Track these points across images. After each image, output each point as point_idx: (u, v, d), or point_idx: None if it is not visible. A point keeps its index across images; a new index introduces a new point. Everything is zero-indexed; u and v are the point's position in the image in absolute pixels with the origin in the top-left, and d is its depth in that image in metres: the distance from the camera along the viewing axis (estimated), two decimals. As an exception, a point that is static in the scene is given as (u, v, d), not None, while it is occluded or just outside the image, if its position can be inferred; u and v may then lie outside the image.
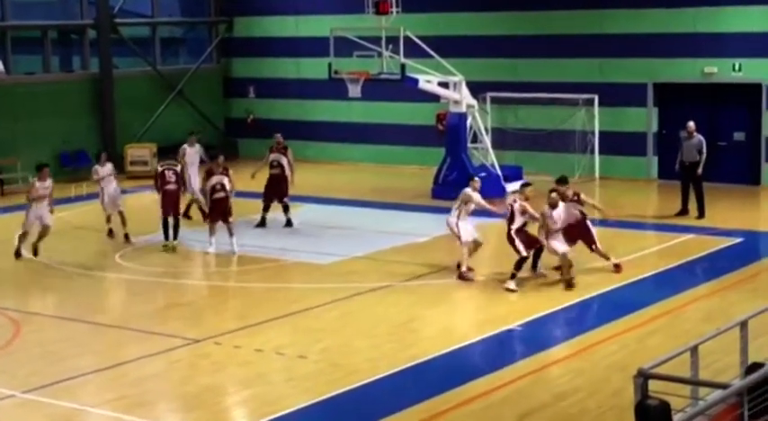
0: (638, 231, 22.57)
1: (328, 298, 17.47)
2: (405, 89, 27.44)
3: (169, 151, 25.52)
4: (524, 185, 18.61)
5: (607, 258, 18.67)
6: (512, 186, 24.74)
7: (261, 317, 16.48)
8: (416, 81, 25.93)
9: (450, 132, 26.81)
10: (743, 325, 10.79)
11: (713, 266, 19.37)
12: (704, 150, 23.27)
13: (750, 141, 27.45)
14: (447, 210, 20.55)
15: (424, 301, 17.35)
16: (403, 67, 25.43)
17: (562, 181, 18.76)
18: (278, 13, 34.12)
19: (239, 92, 35.34)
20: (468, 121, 26.89)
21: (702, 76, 27.59)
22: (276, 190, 23.16)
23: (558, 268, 18.24)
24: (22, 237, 20.89)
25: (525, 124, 29.36)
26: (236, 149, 34.46)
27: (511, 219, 18.01)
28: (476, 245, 18.73)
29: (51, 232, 20.94)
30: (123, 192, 23.61)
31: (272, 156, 23.34)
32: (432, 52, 26.36)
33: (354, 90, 26.00)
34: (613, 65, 28.74)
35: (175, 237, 21.44)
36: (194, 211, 23.58)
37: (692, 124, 23.47)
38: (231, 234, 20.84)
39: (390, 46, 25.59)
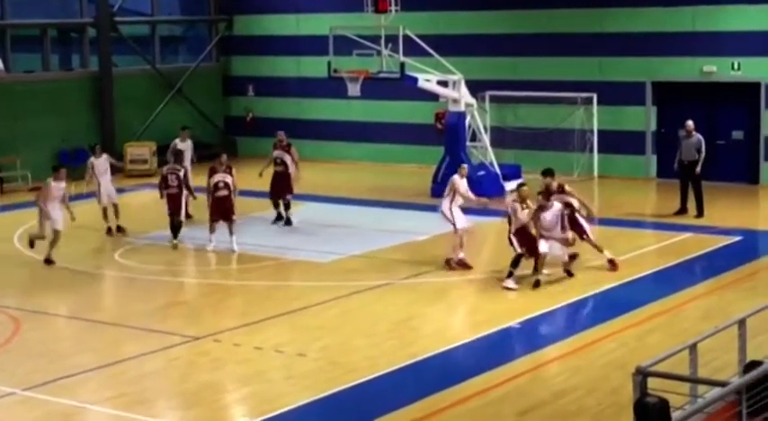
0: (636, 230, 22.59)
1: (328, 296, 17.50)
2: (404, 88, 27.45)
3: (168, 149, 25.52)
4: (520, 185, 18.65)
5: (600, 250, 18.67)
6: (511, 185, 24.76)
7: (260, 315, 16.51)
8: (416, 80, 25.94)
9: (450, 131, 26.82)
10: (741, 323, 10.81)
11: (712, 265, 19.40)
12: (703, 149, 23.28)
13: (749, 140, 27.46)
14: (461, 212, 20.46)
15: (424, 299, 17.37)
16: (402, 65, 25.44)
17: (548, 173, 18.75)
18: (277, 12, 34.12)
19: (239, 90, 35.34)
20: (467, 120, 26.90)
21: (701, 74, 27.61)
22: (279, 187, 23.18)
23: (568, 263, 18.21)
24: (35, 238, 20.46)
25: (524, 123, 29.38)
26: (236, 148, 34.46)
27: (510, 220, 18.06)
28: (467, 232, 19.04)
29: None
30: (122, 190, 23.62)
31: (276, 154, 23.38)
32: (431, 51, 26.37)
33: (354, 89, 26.01)
34: (612, 64, 28.76)
35: (175, 237, 21.55)
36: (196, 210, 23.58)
37: (690, 123, 23.49)
38: (231, 233, 20.87)
39: (390, 44, 25.60)
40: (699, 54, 27.55)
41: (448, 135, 26.94)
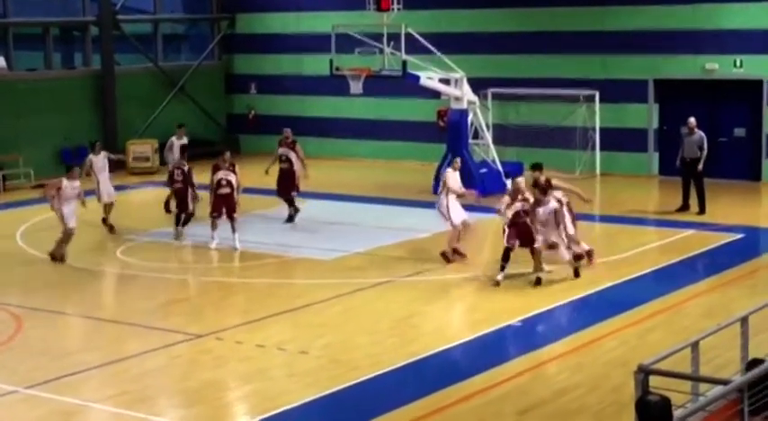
0: (638, 227, 22.59)
1: (330, 293, 17.50)
2: (406, 86, 27.45)
3: (171, 147, 25.57)
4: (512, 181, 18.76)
5: (577, 243, 18.59)
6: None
7: (262, 312, 16.52)
8: (418, 77, 25.93)
9: (452, 129, 26.82)
10: (743, 321, 10.80)
11: (714, 262, 19.39)
12: (705, 146, 23.30)
13: (751, 137, 27.47)
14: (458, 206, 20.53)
15: (426, 297, 17.37)
16: (404, 63, 25.44)
17: (536, 167, 18.72)
18: (279, 10, 34.14)
19: (241, 88, 35.37)
20: (470, 118, 26.90)
21: (703, 72, 27.61)
22: (285, 184, 23.19)
23: (577, 260, 18.17)
24: (68, 239, 20.14)
25: (526, 120, 29.38)
26: (238, 145, 34.49)
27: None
28: (465, 226, 19.12)
29: (55, 227, 20.81)
30: (124, 187, 23.66)
31: (281, 151, 23.39)
32: (433, 49, 26.38)
33: (356, 87, 26.01)
34: (615, 61, 28.75)
35: (184, 224, 21.89)
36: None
37: (692, 120, 23.49)
38: (234, 230, 20.88)
39: (392, 42, 25.58)
40: (701, 52, 27.55)
41: (450, 132, 26.94)
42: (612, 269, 18.67)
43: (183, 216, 21.91)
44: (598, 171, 28.70)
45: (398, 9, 26.03)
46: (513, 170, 26.85)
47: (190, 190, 21.81)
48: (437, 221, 20.18)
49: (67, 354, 14.73)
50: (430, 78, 26.23)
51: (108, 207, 22.79)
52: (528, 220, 17.79)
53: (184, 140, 24.80)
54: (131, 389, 13.29)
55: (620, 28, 28.60)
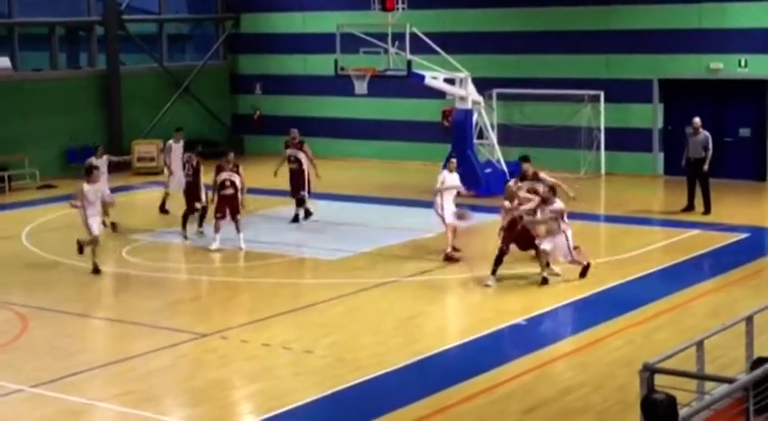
0: (644, 227, 22.58)
1: (334, 293, 17.51)
2: (411, 85, 27.47)
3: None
4: (505, 181, 18.81)
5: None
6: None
7: (268, 312, 16.53)
8: (422, 77, 25.94)
9: (456, 129, 26.83)
10: (748, 320, 10.81)
11: (719, 262, 19.38)
12: (710, 146, 23.28)
13: (756, 137, 27.44)
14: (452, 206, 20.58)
15: (430, 297, 17.38)
16: (409, 63, 25.44)
17: (524, 159, 18.91)
18: (284, 10, 34.17)
19: (246, 88, 35.39)
20: (474, 118, 26.90)
21: (708, 72, 27.59)
22: (296, 185, 23.18)
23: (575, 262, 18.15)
24: (94, 246, 19.33)
25: (531, 120, 29.37)
26: (243, 146, 34.53)
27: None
28: (459, 221, 19.48)
29: (60, 227, 20.83)
30: (129, 187, 23.69)
31: (289, 152, 23.39)
32: (438, 49, 26.38)
33: (361, 86, 26.02)
34: (619, 61, 28.75)
35: (200, 221, 22.03)
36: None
37: (697, 120, 23.48)
38: (239, 230, 20.88)
39: (396, 42, 25.60)
40: (706, 51, 27.53)
41: (455, 132, 26.95)
42: (617, 268, 18.67)
43: (198, 214, 21.98)
44: (603, 171, 28.69)
45: (403, 9, 26.06)
46: (518, 170, 26.84)
47: (201, 184, 21.92)
48: (442, 221, 20.18)
49: (73, 354, 14.75)
50: (434, 78, 26.24)
51: (105, 208, 22.77)
52: (525, 223, 17.80)
53: (181, 144, 24.78)
54: (137, 388, 13.30)
55: (624, 27, 28.60)
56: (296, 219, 23.25)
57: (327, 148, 32.50)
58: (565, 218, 17.76)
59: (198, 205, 22.01)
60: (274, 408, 12.45)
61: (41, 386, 13.37)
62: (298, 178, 23.16)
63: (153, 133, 32.45)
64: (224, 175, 21.01)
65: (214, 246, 20.91)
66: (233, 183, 21.00)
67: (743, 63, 27.16)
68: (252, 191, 22.89)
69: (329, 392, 12.94)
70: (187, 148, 23.41)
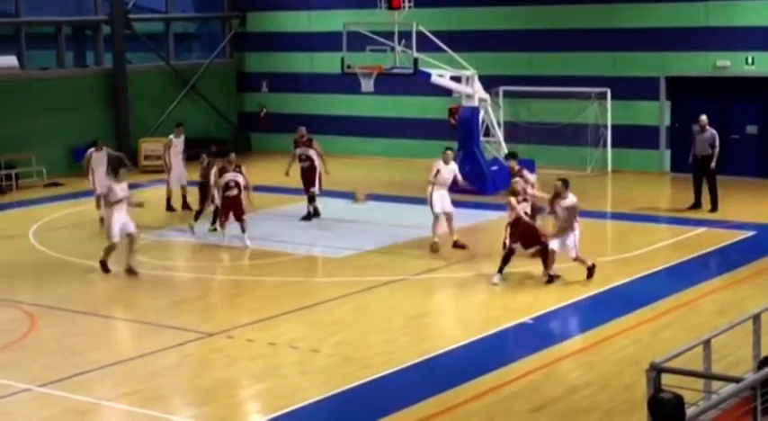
0: (650, 224, 22.55)
1: (341, 291, 17.51)
2: (417, 83, 27.47)
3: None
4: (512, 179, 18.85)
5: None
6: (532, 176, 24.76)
7: (274, 310, 16.53)
8: (429, 75, 25.94)
9: (463, 126, 26.82)
10: (756, 318, 10.80)
11: (726, 260, 19.35)
12: (717, 144, 23.25)
13: (763, 135, 27.39)
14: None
15: (438, 295, 17.39)
16: (415, 61, 25.45)
17: (511, 155, 19.39)
18: (291, 8, 34.17)
19: (252, 86, 35.41)
20: (481, 115, 26.90)
21: (715, 69, 27.55)
22: (309, 182, 23.20)
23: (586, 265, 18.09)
24: (110, 249, 19.16)
25: (538, 118, 29.34)
26: (249, 144, 34.57)
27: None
28: (447, 216, 19.70)
29: (67, 226, 20.82)
30: (136, 186, 23.73)
31: (299, 151, 23.40)
32: (444, 46, 26.38)
33: (367, 84, 26.02)
34: (626, 59, 28.70)
35: (213, 223, 22.02)
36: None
37: (704, 118, 23.44)
38: (243, 230, 20.91)
39: (403, 40, 25.61)
40: (712, 49, 27.49)
41: (461, 130, 26.94)
42: (624, 266, 18.65)
43: (212, 211, 22.08)
44: (610, 168, 28.65)
45: (409, 7, 26.05)
46: (525, 167, 26.83)
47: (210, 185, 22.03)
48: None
49: (80, 353, 14.77)
50: (441, 76, 26.24)
51: (100, 199, 22.78)
52: (532, 220, 17.77)
53: (182, 139, 24.86)
54: (144, 387, 13.32)
55: (631, 25, 28.56)
56: (308, 216, 23.27)
57: (334, 146, 32.46)
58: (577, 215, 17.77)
59: (211, 206, 22.03)
60: (281, 408, 12.46)
61: (49, 385, 13.40)
62: (310, 175, 23.19)
63: (160, 131, 32.43)
64: (228, 177, 21.06)
65: (224, 242, 21.10)
66: (237, 184, 21.05)
67: (750, 60, 27.11)
68: (259, 188, 22.94)
69: (336, 391, 12.95)
70: (188, 144, 23.56)
